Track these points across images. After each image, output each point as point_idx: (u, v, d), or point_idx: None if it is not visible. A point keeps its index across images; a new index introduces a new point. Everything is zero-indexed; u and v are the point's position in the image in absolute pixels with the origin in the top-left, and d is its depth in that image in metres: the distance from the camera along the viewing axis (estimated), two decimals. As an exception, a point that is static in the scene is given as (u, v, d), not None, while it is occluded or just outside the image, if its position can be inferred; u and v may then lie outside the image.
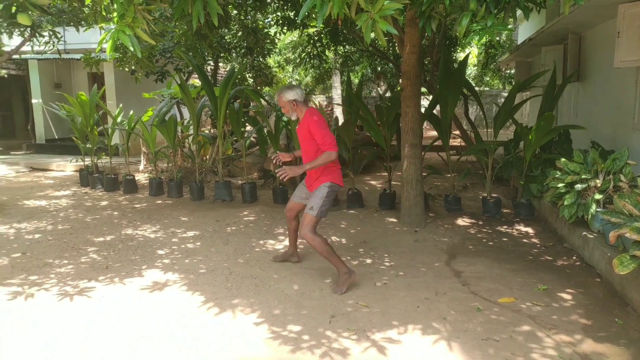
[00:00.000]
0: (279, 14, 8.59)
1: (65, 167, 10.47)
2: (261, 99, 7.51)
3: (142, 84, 9.76)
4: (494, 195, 6.22)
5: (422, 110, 5.96)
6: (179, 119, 9.55)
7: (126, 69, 8.10)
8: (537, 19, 9.23)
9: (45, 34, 7.05)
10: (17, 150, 13.35)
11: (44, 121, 12.77)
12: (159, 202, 7.14)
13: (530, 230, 5.43)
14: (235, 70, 7.25)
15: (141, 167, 9.85)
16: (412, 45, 5.32)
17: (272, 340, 3.03)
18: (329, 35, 9.19)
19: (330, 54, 12.75)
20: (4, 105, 15.03)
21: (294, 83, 20.21)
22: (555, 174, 4.81)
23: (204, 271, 4.23)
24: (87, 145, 8.37)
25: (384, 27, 2.82)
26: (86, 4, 5.06)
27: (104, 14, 4.66)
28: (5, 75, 12.96)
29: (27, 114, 14.49)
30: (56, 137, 13.04)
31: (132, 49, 3.21)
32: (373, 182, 8.50)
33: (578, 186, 4.45)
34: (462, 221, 5.82)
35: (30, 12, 5.01)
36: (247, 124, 7.96)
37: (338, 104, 15.99)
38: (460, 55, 14.99)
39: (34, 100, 12.77)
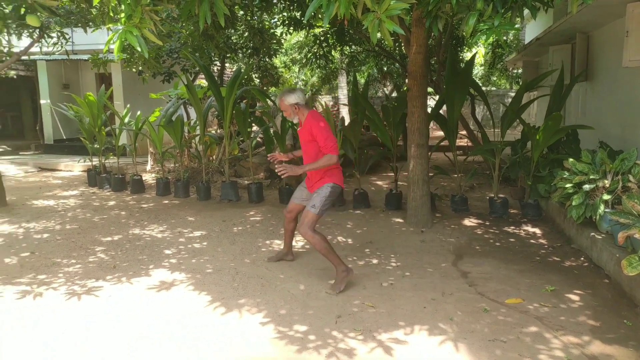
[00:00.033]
0: (285, 14, 8.59)
1: (73, 167, 10.54)
2: (267, 99, 7.52)
3: (150, 85, 9.80)
4: (501, 195, 6.20)
5: (429, 110, 5.94)
6: (185, 120, 9.59)
7: (133, 70, 8.13)
8: (545, 18, 9.18)
9: (54, 35, 7.09)
10: (25, 151, 13.45)
11: (52, 122, 12.86)
12: (166, 202, 7.17)
13: (537, 230, 5.40)
14: (242, 70, 7.27)
15: (148, 167, 9.89)
16: (418, 45, 5.31)
17: (279, 340, 3.04)
18: (335, 35, 9.18)
19: (336, 54, 12.75)
20: (13, 106, 15.15)
21: (299, 83, 20.23)
22: (563, 174, 4.78)
23: (211, 271, 4.24)
24: (95, 146, 8.42)
25: (390, 27, 2.82)
26: (94, 4, 5.09)
27: (111, 14, 4.69)
28: (14, 76, 13.05)
29: (35, 114, 14.59)
30: (64, 138, 13.12)
31: (139, 49, 3.22)
32: (379, 183, 8.49)
33: (586, 186, 4.42)
34: (468, 222, 5.80)
35: (39, 14, 5.04)
36: (253, 124, 7.97)
37: (344, 104, 15.97)
38: (467, 55, 14.94)
39: (42, 101, 12.86)
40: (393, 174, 6.62)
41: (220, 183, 7.48)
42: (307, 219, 3.77)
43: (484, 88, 18.55)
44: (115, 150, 8.40)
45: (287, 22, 8.51)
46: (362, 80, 16.24)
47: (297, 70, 19.24)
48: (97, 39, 10.59)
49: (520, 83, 14.02)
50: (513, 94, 14.91)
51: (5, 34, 6.62)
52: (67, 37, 7.21)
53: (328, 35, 9.36)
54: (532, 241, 5.03)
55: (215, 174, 8.39)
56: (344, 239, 5.17)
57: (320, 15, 8.08)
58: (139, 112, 8.32)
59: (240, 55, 10.97)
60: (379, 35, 2.87)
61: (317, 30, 9.52)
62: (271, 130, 7.15)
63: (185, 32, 8.21)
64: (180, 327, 3.22)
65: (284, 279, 4.03)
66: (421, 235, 5.27)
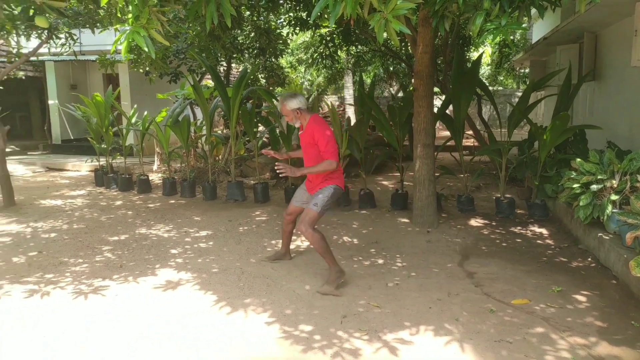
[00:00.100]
0: (291, 14, 8.61)
1: (81, 167, 10.61)
2: (273, 100, 7.53)
3: (156, 85, 9.85)
4: (508, 195, 6.17)
5: (435, 110, 5.92)
6: (192, 120, 9.62)
7: (140, 70, 8.17)
8: (552, 17, 9.13)
9: (62, 36, 7.14)
10: (33, 151, 13.55)
11: (60, 122, 12.95)
12: (172, 201, 7.20)
13: (544, 231, 5.37)
14: (248, 70, 7.28)
15: (155, 167, 9.94)
16: (425, 45, 5.30)
17: (284, 340, 3.04)
18: (341, 35, 9.18)
19: (342, 54, 12.74)
20: (22, 107, 15.25)
21: (305, 83, 20.23)
22: (571, 175, 4.75)
23: (217, 270, 4.26)
24: (102, 146, 8.47)
25: (397, 27, 2.81)
26: (102, 5, 5.13)
27: (119, 15, 4.72)
28: (23, 77, 13.14)
29: (43, 115, 14.68)
30: (72, 138, 13.21)
31: (146, 50, 3.24)
32: (385, 183, 8.47)
33: (594, 187, 4.39)
34: (475, 222, 5.78)
35: (47, 15, 5.08)
36: (259, 124, 7.98)
37: (350, 104, 15.96)
38: (474, 55, 14.89)
39: (50, 102, 12.95)
40: (399, 174, 6.60)
41: (227, 183, 7.50)
42: (307, 217, 3.78)
43: (490, 88, 18.48)
44: (122, 150, 8.45)
45: (293, 22, 8.52)
46: (368, 80, 16.24)
47: (303, 70, 19.26)
48: (105, 40, 10.64)
49: (528, 83, 13.95)
50: (520, 94, 14.84)
51: (15, 35, 6.68)
52: (75, 38, 7.26)
53: (334, 35, 9.36)
54: (538, 241, 5.00)
55: (221, 174, 8.42)
56: (350, 239, 5.17)
57: (326, 16, 8.07)
58: (145, 113, 8.36)
59: (246, 55, 10.99)
60: (385, 35, 2.86)
61: (323, 31, 9.53)
62: (277, 130, 7.16)
63: (192, 32, 8.24)
64: (188, 327, 3.23)
65: (290, 279, 4.03)
66: (427, 235, 5.26)
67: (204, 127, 7.91)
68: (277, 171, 3.68)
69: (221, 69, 11.41)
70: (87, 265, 4.41)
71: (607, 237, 4.25)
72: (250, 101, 8.25)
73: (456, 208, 6.34)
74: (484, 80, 10.65)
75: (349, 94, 17.18)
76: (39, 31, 6.83)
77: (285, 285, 3.91)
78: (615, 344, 2.93)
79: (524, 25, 3.36)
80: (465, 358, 2.82)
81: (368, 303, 3.55)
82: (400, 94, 14.17)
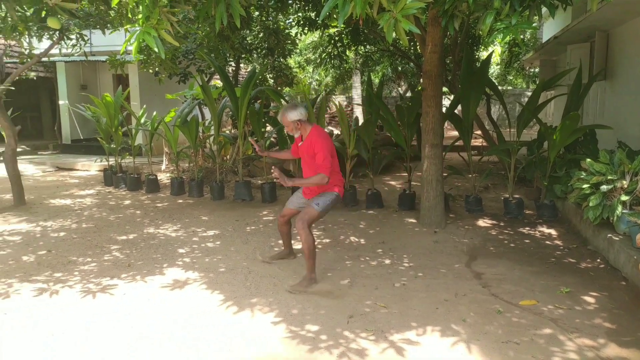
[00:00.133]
0: (300, 14, 8.61)
1: (90, 166, 10.70)
2: (281, 100, 7.54)
3: (165, 85, 9.91)
4: (516, 196, 6.13)
5: (444, 110, 5.90)
6: (200, 120, 9.66)
7: (150, 71, 8.22)
8: (563, 16, 9.05)
9: (73, 37, 7.22)
10: (44, 151, 13.69)
11: (70, 122, 13.07)
12: (180, 201, 7.24)
13: (553, 232, 5.32)
14: (256, 71, 7.30)
15: (163, 167, 9.99)
16: (434, 45, 5.28)
17: (290, 340, 3.04)
18: (350, 35, 9.17)
19: (350, 54, 12.73)
20: (33, 107, 15.42)
21: (313, 83, 20.23)
22: (580, 175, 4.71)
23: (224, 270, 4.27)
24: (112, 146, 8.53)
25: (406, 27, 2.80)
26: (112, 6, 5.17)
27: (130, 16, 4.75)
28: (34, 78, 13.29)
29: (54, 115, 14.83)
30: (81, 138, 13.33)
31: (156, 50, 3.25)
32: (392, 183, 8.45)
33: (604, 187, 4.35)
34: (483, 222, 5.75)
35: (59, 16, 5.13)
36: (267, 124, 8.00)
37: (358, 104, 15.95)
38: (483, 54, 14.80)
39: (60, 102, 13.08)
40: (406, 174, 6.59)
41: (234, 183, 7.53)
42: (307, 215, 3.81)
43: (500, 87, 18.36)
44: (131, 150, 8.51)
45: (302, 22, 8.53)
46: (377, 80, 16.21)
47: (311, 70, 19.27)
48: (115, 41, 10.73)
49: (537, 82, 13.84)
50: (530, 93, 14.72)
51: (27, 36, 6.75)
52: (85, 38, 7.34)
53: (343, 35, 9.35)
54: (547, 242, 4.96)
55: (229, 173, 8.44)
56: (357, 239, 5.16)
57: (335, 15, 8.06)
58: (154, 113, 8.42)
59: (255, 55, 11.02)
60: (394, 34, 2.85)
61: (331, 30, 9.52)
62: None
63: (201, 33, 8.28)
64: (195, 326, 3.24)
65: (297, 279, 4.02)
66: (434, 235, 5.24)
67: (212, 127, 7.94)
68: (272, 173, 3.68)
69: (230, 69, 11.45)
70: (95, 264, 4.44)
71: (616, 238, 4.21)
72: (259, 101, 8.28)
73: (464, 208, 6.30)
74: (493, 80, 10.61)
75: (357, 93, 17.17)
76: (51, 32, 6.90)
77: (292, 284, 3.91)
78: (624, 346, 2.89)
79: (534, 25, 3.34)
80: (472, 359, 2.80)
81: (375, 303, 3.54)
82: (409, 94, 14.13)
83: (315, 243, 3.91)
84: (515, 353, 2.84)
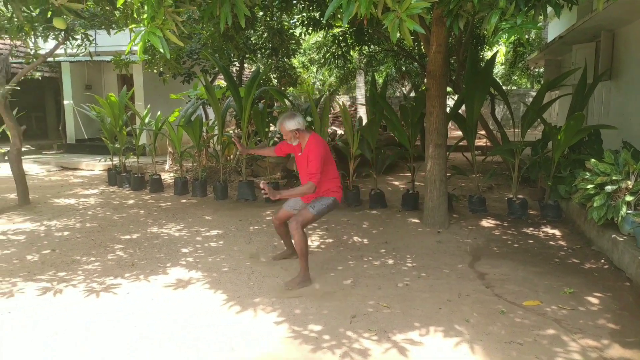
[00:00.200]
0: (304, 14, 8.62)
1: (94, 166, 10.73)
2: (285, 100, 7.55)
3: (170, 85, 9.94)
4: (520, 196, 6.11)
5: (448, 110, 5.89)
6: (204, 120, 9.68)
7: (154, 71, 8.24)
8: (568, 16, 9.02)
9: (78, 37, 7.24)
10: (48, 150, 13.75)
11: (74, 122, 13.12)
12: (184, 201, 7.25)
13: (557, 232, 5.30)
14: (260, 71, 7.31)
15: (167, 166, 10.02)
16: (438, 44, 5.27)
17: (293, 340, 3.04)
18: (354, 35, 9.16)
19: (354, 54, 12.71)
20: (37, 107, 15.47)
21: (317, 83, 20.23)
22: (585, 175, 4.68)
23: (227, 270, 4.27)
24: (116, 145, 8.56)
25: (411, 26, 2.80)
26: (118, 6, 5.18)
27: (135, 16, 4.76)
28: (39, 78, 13.35)
29: (58, 114, 14.88)
30: (86, 137, 13.37)
31: (161, 50, 3.26)
32: (396, 183, 8.44)
33: (608, 187, 4.33)
34: (486, 222, 5.73)
35: (65, 16, 5.15)
36: (271, 124, 8.01)
37: (362, 104, 15.93)
38: (488, 54, 14.76)
39: (65, 102, 13.12)
40: (410, 174, 6.58)
41: (237, 182, 7.54)
42: (302, 217, 3.82)
43: (504, 87, 18.30)
44: (135, 150, 8.53)
45: (306, 22, 8.53)
46: (380, 80, 16.21)
47: (315, 70, 19.27)
48: (120, 41, 10.76)
49: (542, 82, 13.80)
50: (534, 93, 14.67)
51: (32, 36, 6.78)
52: (90, 39, 7.36)
53: (347, 35, 9.34)
54: (551, 243, 4.94)
55: (232, 173, 8.46)
56: (360, 239, 5.16)
57: (339, 15, 8.07)
58: (159, 113, 8.44)
59: (259, 55, 11.03)
60: (398, 34, 2.85)
61: (335, 30, 9.52)
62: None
63: (205, 33, 8.29)
64: (199, 326, 3.25)
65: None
66: (438, 235, 5.23)
67: (216, 127, 7.96)
68: (262, 192, 3.68)
69: (234, 69, 11.47)
70: (99, 264, 4.46)
71: (621, 239, 4.19)
72: (262, 101, 8.28)
73: (467, 209, 6.29)
74: (497, 80, 10.58)
75: (360, 93, 17.15)
76: (56, 32, 6.93)
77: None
78: (628, 347, 2.88)
79: (539, 25, 3.33)
80: (475, 359, 2.79)
81: (378, 303, 3.54)
82: (413, 94, 14.11)
83: (318, 243, 3.91)
84: (519, 353, 2.83)
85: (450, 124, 9.44)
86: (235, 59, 10.53)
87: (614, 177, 4.35)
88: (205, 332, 3.14)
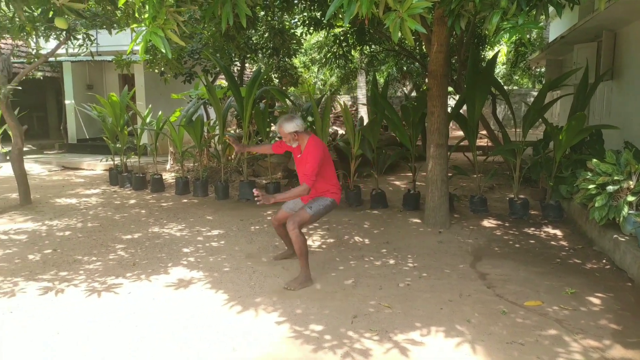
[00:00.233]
0: (305, 14, 8.62)
1: (96, 166, 10.74)
2: (286, 99, 7.55)
3: (171, 85, 9.94)
4: (522, 196, 6.10)
5: (449, 109, 5.88)
6: (205, 120, 9.69)
7: (156, 71, 8.24)
8: (570, 15, 9.00)
9: (80, 37, 7.25)
10: (50, 150, 13.76)
11: (76, 121, 13.13)
12: (185, 200, 7.26)
13: (558, 232, 5.30)
14: (262, 70, 7.31)
15: (168, 166, 10.03)
16: (439, 44, 5.26)
17: (294, 340, 3.04)
18: (355, 35, 9.16)
19: (356, 54, 12.70)
20: (39, 107, 15.49)
21: (318, 83, 20.22)
22: (586, 175, 4.68)
23: (228, 269, 4.28)
24: (117, 145, 8.57)
25: (412, 26, 2.80)
26: (119, 6, 5.19)
27: (137, 16, 4.76)
28: (41, 78, 13.36)
29: (60, 114, 14.89)
30: (87, 137, 13.38)
31: (163, 50, 3.26)
32: (397, 183, 8.44)
33: (610, 188, 4.32)
34: (487, 222, 5.73)
35: (66, 16, 5.16)
36: (272, 124, 8.01)
37: (363, 104, 15.93)
38: (489, 54, 14.75)
39: (67, 101, 13.14)
40: (411, 174, 6.57)
41: (239, 182, 7.54)
42: (299, 217, 3.82)
43: (505, 87, 18.29)
44: (137, 150, 8.54)
45: (307, 22, 8.53)
46: (382, 80, 16.19)
47: (316, 70, 19.27)
48: (121, 41, 10.77)
49: (543, 82, 13.78)
50: (535, 93, 14.66)
51: (34, 36, 6.79)
52: (92, 38, 7.37)
53: (348, 35, 9.34)
54: (552, 243, 4.94)
55: (233, 173, 8.46)
56: (361, 239, 5.16)
57: (340, 15, 8.07)
58: (160, 112, 8.45)
59: (260, 55, 11.03)
60: (399, 34, 2.85)
61: (337, 30, 9.52)
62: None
63: (206, 33, 8.29)
64: (199, 326, 3.25)
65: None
66: (439, 236, 5.22)
67: (217, 127, 7.96)
68: (255, 199, 3.64)
69: (235, 69, 11.46)
70: (100, 263, 4.46)
71: (622, 239, 4.18)
72: (264, 101, 8.28)
73: (469, 209, 6.29)
74: (499, 80, 10.57)
75: (362, 93, 17.15)
76: (58, 32, 6.94)
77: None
78: (629, 347, 2.88)
79: (541, 24, 3.32)
80: (476, 359, 2.80)
81: (379, 303, 3.54)
82: (414, 94, 14.11)
83: (320, 243, 3.91)
84: (520, 354, 2.82)
85: (451, 124, 9.43)
86: (236, 59, 10.53)
87: (615, 177, 4.35)
88: (206, 332, 3.15)
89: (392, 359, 2.82)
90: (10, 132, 6.99)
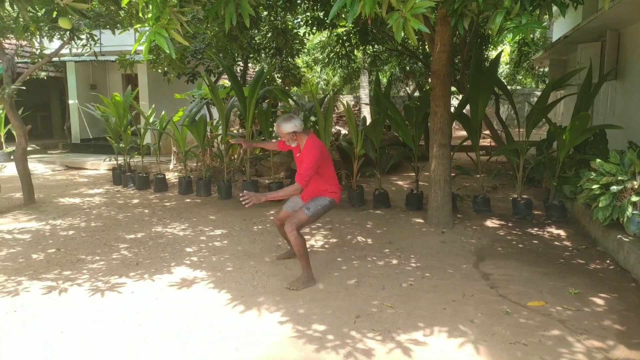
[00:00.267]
0: (308, 14, 8.62)
1: (99, 166, 10.77)
2: (289, 99, 7.55)
3: (174, 85, 9.95)
4: (525, 196, 6.09)
5: (452, 109, 5.88)
6: (208, 119, 9.70)
7: (159, 71, 8.25)
8: (573, 15, 8.98)
9: (83, 37, 7.27)
10: (53, 150, 13.80)
11: (79, 121, 13.17)
12: (188, 200, 7.27)
13: (562, 232, 5.28)
14: (264, 70, 7.31)
15: (171, 166, 10.04)
16: (442, 44, 5.25)
17: (297, 339, 3.04)
18: (358, 34, 9.16)
19: (358, 54, 12.71)
20: (43, 106, 15.54)
21: (321, 83, 20.23)
22: (590, 175, 4.67)
23: (231, 269, 4.28)
24: (120, 145, 8.59)
25: (415, 26, 2.79)
26: (122, 5, 5.20)
27: (140, 15, 4.76)
28: (45, 77, 13.41)
29: (63, 114, 14.95)
30: (91, 137, 13.42)
31: (167, 50, 3.27)
32: (400, 183, 8.43)
33: (614, 188, 4.31)
34: (491, 223, 5.72)
35: (70, 16, 5.18)
36: (275, 124, 8.01)
37: (366, 104, 15.93)
38: (492, 54, 14.72)
39: (70, 101, 13.18)
40: (414, 174, 6.57)
41: (242, 182, 7.55)
42: (296, 219, 3.80)
43: (509, 87, 18.25)
44: (140, 150, 8.56)
45: (310, 22, 8.53)
46: (384, 80, 16.18)
47: (319, 70, 19.28)
48: (124, 41, 10.80)
49: (547, 82, 13.74)
50: (539, 93, 14.61)
51: (38, 36, 6.81)
52: (95, 38, 7.39)
53: (351, 35, 9.34)
54: (556, 243, 4.93)
55: (236, 173, 8.47)
56: (364, 239, 5.16)
57: (343, 15, 8.06)
58: (163, 112, 8.46)
59: (263, 55, 11.04)
60: (402, 34, 2.85)
61: (339, 30, 9.52)
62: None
63: (209, 33, 8.30)
64: (202, 325, 3.26)
65: (303, 278, 4.03)
66: (442, 236, 5.22)
67: (220, 127, 7.97)
68: (242, 201, 3.61)
69: (238, 68, 11.49)
70: (104, 263, 4.47)
71: (626, 239, 4.17)
72: (267, 101, 8.29)
73: (472, 209, 6.27)
74: (502, 79, 10.55)
75: (364, 93, 17.14)
76: (62, 32, 6.96)
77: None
78: (633, 348, 2.86)
79: (544, 24, 3.32)
80: (479, 360, 2.79)
81: (382, 303, 3.54)
82: (417, 94, 14.08)
83: (322, 243, 3.91)
84: (523, 354, 2.82)
85: (454, 124, 9.42)
86: (239, 59, 10.55)
87: (619, 178, 4.33)
88: (209, 332, 3.15)
89: (394, 359, 2.82)
90: (14, 132, 7.00)
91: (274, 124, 7.92)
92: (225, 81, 13.22)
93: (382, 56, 12.02)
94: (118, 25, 7.03)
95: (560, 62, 10.94)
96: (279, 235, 5.28)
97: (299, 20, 9.89)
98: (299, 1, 7.92)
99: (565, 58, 10.77)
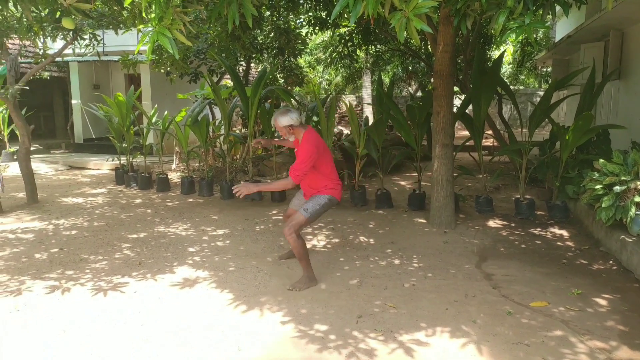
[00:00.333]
0: (311, 14, 8.62)
1: (102, 165, 10.79)
2: (292, 99, 7.55)
3: (177, 85, 9.97)
4: (528, 196, 6.07)
5: (454, 109, 5.87)
6: (211, 119, 9.71)
7: (162, 71, 8.27)
8: (576, 15, 8.96)
9: (86, 37, 7.29)
10: (56, 150, 13.83)
11: (82, 121, 13.19)
12: (191, 200, 7.28)
13: (565, 233, 5.27)
14: (267, 70, 7.32)
15: (174, 166, 10.06)
16: (445, 44, 5.25)
17: (299, 339, 3.04)
18: (361, 34, 9.15)
19: (361, 54, 12.70)
20: (46, 106, 15.57)
21: (323, 83, 20.22)
22: (593, 175, 4.65)
23: (233, 269, 4.28)
24: (123, 145, 8.60)
25: (418, 26, 2.79)
26: (125, 5, 5.21)
27: (143, 16, 4.77)
28: (48, 77, 13.44)
29: (66, 114, 14.97)
30: (93, 137, 13.44)
31: (170, 50, 3.27)
32: (402, 183, 8.43)
33: (617, 188, 4.30)
34: (493, 223, 5.71)
35: (73, 16, 5.19)
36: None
37: (368, 104, 15.91)
38: (495, 54, 14.68)
39: (73, 101, 13.21)
40: (416, 174, 6.56)
41: (243, 182, 7.54)
42: (295, 221, 3.78)
43: (512, 87, 18.21)
44: (143, 149, 8.57)
45: (312, 22, 8.53)
46: (387, 80, 16.17)
47: (321, 69, 19.27)
48: (127, 41, 10.82)
49: (550, 82, 13.70)
50: (542, 93, 14.58)
51: (41, 36, 6.83)
52: (98, 39, 7.41)
53: (353, 35, 9.34)
54: (558, 243, 4.92)
55: (239, 173, 8.47)
56: (366, 239, 5.16)
57: (346, 15, 8.08)
58: (166, 112, 8.47)
59: (265, 55, 11.04)
60: (405, 34, 2.84)
61: (342, 30, 9.52)
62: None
63: (212, 33, 8.32)
64: (203, 324, 3.26)
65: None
66: (444, 236, 5.21)
67: (223, 127, 7.98)
68: (234, 193, 3.64)
69: (240, 68, 11.49)
70: (106, 262, 4.48)
71: (630, 240, 4.15)
72: (269, 101, 8.30)
73: (474, 209, 6.27)
74: (505, 79, 10.52)
75: (367, 93, 17.13)
76: (65, 32, 6.98)
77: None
78: (636, 349, 2.86)
79: (547, 24, 3.32)
80: (481, 360, 2.79)
81: (384, 303, 3.53)
82: (419, 94, 14.07)
83: (324, 243, 3.90)
84: (526, 355, 2.81)
85: (457, 124, 9.42)
86: (241, 59, 10.55)
87: (622, 178, 4.32)
88: (211, 332, 3.15)
89: (397, 359, 2.82)
90: (17, 132, 7.02)
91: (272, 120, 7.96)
92: (227, 81, 13.23)
93: (384, 56, 12.00)
94: (121, 25, 7.04)
95: (563, 62, 10.91)
96: (281, 235, 5.29)
97: (302, 20, 9.88)
98: (301, 1, 7.91)
99: (568, 58, 10.75)
